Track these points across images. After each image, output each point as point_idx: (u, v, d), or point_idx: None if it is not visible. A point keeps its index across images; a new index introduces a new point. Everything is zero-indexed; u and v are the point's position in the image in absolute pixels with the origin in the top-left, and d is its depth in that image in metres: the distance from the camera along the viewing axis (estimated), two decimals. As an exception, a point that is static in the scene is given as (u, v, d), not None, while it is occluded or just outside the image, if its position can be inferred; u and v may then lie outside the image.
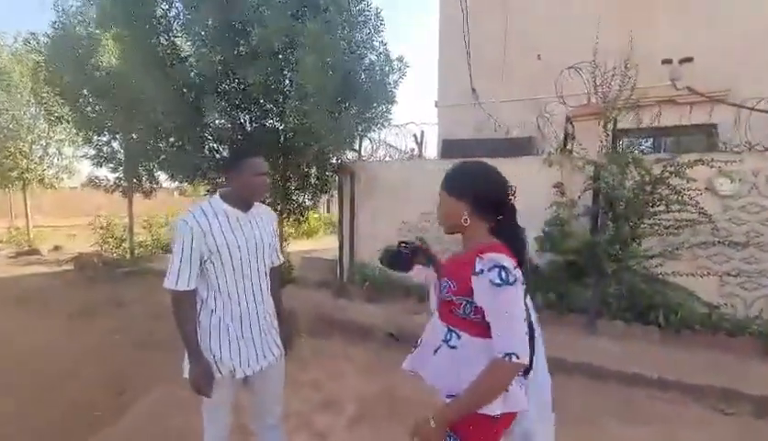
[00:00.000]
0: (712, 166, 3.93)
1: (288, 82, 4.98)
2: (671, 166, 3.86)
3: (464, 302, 1.30)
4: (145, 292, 6.32)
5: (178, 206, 12.42)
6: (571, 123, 4.95)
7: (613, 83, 4.47)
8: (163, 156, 5.82)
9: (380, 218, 6.21)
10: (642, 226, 4.09)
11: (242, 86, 5.05)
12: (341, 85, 5.05)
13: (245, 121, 5.36)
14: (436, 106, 7.34)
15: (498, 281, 1.19)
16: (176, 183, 6.28)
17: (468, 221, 1.35)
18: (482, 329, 1.29)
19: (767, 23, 5.40)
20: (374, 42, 5.34)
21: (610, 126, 4.31)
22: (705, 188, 4.24)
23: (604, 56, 4.70)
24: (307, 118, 4.78)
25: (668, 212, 4.00)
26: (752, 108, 4.32)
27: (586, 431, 2.87)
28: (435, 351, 1.39)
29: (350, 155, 6.41)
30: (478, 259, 1.25)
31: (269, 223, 1.92)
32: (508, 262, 1.22)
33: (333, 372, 3.74)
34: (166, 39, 5.02)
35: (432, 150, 7.14)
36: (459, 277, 1.30)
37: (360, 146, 6.54)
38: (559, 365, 3.87)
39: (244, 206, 1.80)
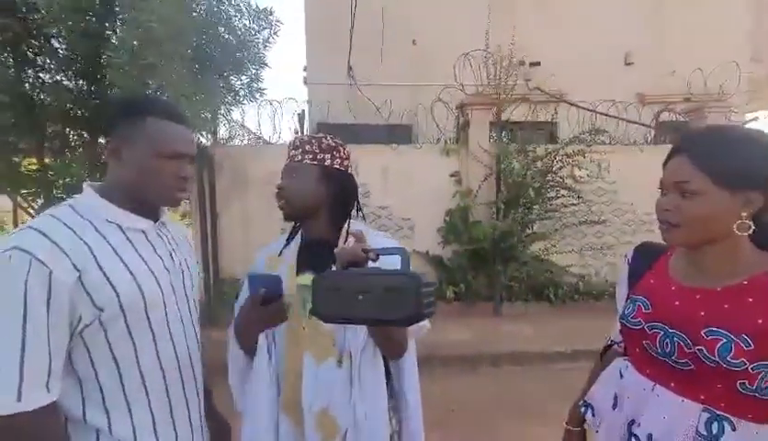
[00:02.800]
0: (582, 157, 4.52)
1: (116, 20, 3.22)
2: (563, 156, 4.25)
3: (763, 371, 0.76)
4: None
5: None
6: (463, 112, 4.98)
7: (502, 75, 4.65)
8: None
9: (255, 218, 4.96)
10: (537, 212, 4.43)
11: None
12: (200, 40, 3.62)
13: (31, 76, 3.27)
14: (306, 83, 6.37)
15: None
16: None
17: (751, 228, 0.80)
18: None
19: (596, 39, 6.70)
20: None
21: (504, 115, 4.46)
22: (568, 176, 4.91)
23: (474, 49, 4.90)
24: (148, 75, 3.21)
25: (557, 198, 4.42)
26: (593, 110, 5.22)
27: (560, 420, 2.82)
28: None
29: (203, 138, 4.86)
30: None
31: (185, 241, 1.09)
32: None
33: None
34: None
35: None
36: (755, 327, 0.76)
37: (216, 127, 5.04)
38: (487, 357, 3.86)
39: (150, 210, 0.95)
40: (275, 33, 4.28)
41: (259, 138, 5.42)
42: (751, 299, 0.78)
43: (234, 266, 4.90)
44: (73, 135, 4.18)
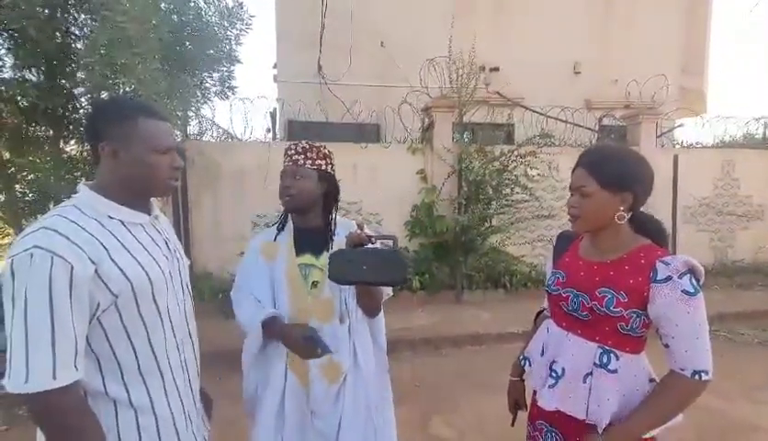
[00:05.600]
0: (534, 157, 4.97)
1: (85, 19, 3.23)
2: (517, 156, 4.67)
3: (633, 316, 1.11)
4: None
5: None
6: (428, 114, 5.31)
7: (464, 79, 5.01)
8: None
9: (226, 213, 5.08)
10: (494, 207, 4.84)
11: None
12: (172, 38, 3.70)
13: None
14: (276, 80, 6.45)
15: (691, 289, 1.06)
16: None
17: (625, 218, 1.15)
18: (639, 344, 1.16)
19: (549, 50, 7.24)
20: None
21: (465, 118, 4.82)
22: (522, 175, 5.37)
23: (438, 55, 5.25)
24: (121, 75, 3.26)
25: (512, 195, 4.85)
26: (545, 114, 5.70)
27: (505, 390, 3.20)
28: (585, 378, 1.15)
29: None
30: (661, 264, 1.08)
31: (171, 230, 1.22)
32: (697, 264, 1.10)
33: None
34: None
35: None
36: (628, 286, 1.10)
37: (186, 123, 5.08)
38: (449, 339, 4.22)
39: (143, 204, 1.07)
40: (247, 27, 4.39)
41: (230, 135, 5.49)
42: (627, 267, 1.13)
43: (206, 260, 4.98)
44: (35, 130, 4.11)
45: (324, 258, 1.36)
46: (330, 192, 1.42)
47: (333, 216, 1.45)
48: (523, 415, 1.45)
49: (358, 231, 1.22)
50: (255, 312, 1.35)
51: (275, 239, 1.44)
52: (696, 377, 1.05)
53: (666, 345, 1.10)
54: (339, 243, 1.37)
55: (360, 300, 1.38)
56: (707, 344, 1.08)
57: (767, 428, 2.69)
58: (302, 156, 1.36)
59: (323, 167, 1.39)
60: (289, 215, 1.45)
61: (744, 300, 5.12)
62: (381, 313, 1.49)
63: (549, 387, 1.20)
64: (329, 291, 1.36)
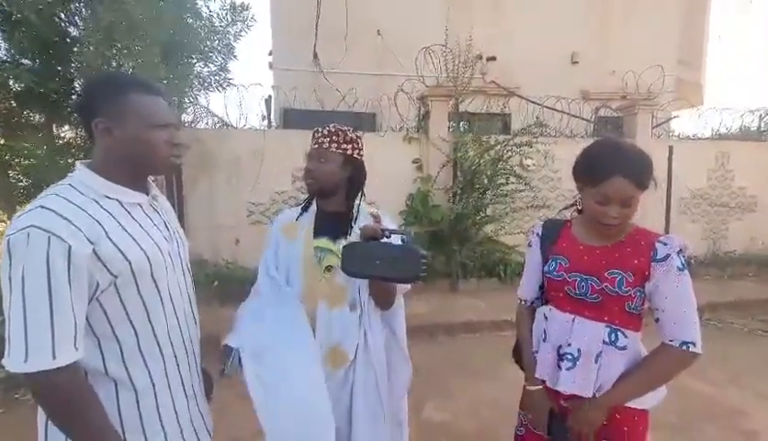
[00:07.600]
0: (530, 147, 4.97)
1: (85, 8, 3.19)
2: (512, 146, 4.67)
3: (638, 294, 1.17)
4: None
5: None
6: (424, 103, 5.29)
7: (460, 69, 4.98)
8: None
9: (221, 201, 5.06)
10: (489, 197, 4.86)
11: None
12: (173, 27, 3.66)
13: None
14: (271, 68, 6.39)
15: (681, 266, 1.13)
16: None
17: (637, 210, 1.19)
18: (640, 322, 1.22)
19: (547, 40, 7.21)
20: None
21: (462, 107, 4.81)
22: (517, 165, 5.37)
23: (435, 44, 5.20)
24: (122, 57, 3.23)
25: (507, 184, 4.86)
26: (541, 104, 5.69)
27: (506, 379, 3.22)
28: (597, 357, 1.18)
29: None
30: (660, 244, 1.14)
31: (171, 211, 1.19)
32: (687, 243, 1.16)
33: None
34: None
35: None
36: (634, 266, 1.15)
37: (182, 111, 5.03)
38: (443, 327, 4.25)
39: (141, 184, 1.03)
40: (248, 27, 4.36)
41: (225, 123, 5.45)
42: (629, 249, 1.17)
43: (201, 248, 4.97)
44: (29, 116, 4.07)
45: (342, 244, 1.32)
46: (355, 177, 1.39)
47: (357, 202, 1.41)
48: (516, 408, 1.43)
49: (373, 225, 1.21)
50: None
51: (297, 219, 1.43)
52: (684, 347, 1.11)
53: (657, 320, 1.16)
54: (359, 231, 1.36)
55: (373, 293, 1.36)
56: (695, 318, 1.13)
57: (752, 413, 2.75)
58: (328, 139, 1.34)
59: (349, 151, 1.35)
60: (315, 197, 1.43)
61: (735, 290, 5.18)
62: (401, 306, 1.46)
63: (567, 370, 1.20)
64: (343, 278, 1.32)
